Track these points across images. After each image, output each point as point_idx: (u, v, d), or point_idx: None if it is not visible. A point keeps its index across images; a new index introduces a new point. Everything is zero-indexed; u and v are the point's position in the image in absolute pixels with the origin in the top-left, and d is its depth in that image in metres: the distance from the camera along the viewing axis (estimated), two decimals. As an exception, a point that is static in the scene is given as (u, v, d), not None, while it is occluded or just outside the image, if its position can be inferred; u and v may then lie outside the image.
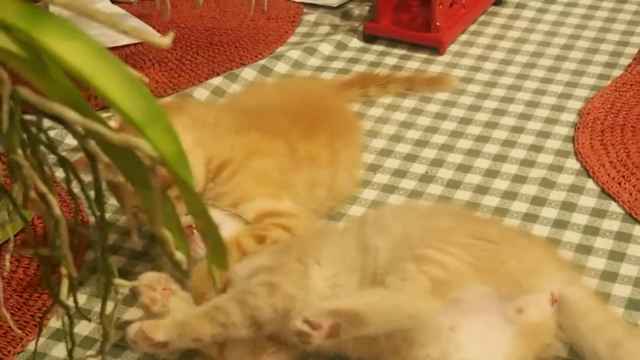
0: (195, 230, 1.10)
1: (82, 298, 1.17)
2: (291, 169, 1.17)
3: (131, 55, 1.67)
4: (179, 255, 0.73)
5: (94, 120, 0.67)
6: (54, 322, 1.13)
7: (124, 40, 1.70)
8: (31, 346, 1.10)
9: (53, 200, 0.71)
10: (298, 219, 1.14)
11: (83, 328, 1.13)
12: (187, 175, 0.69)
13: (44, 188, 0.70)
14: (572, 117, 1.45)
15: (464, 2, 1.69)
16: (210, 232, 0.72)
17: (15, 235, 1.25)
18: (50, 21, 0.65)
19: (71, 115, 0.67)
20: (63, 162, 0.73)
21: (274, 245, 1.11)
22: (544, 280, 1.01)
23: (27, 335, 1.11)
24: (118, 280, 0.79)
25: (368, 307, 0.94)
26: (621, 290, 1.13)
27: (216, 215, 1.12)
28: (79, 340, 1.11)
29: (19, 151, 0.69)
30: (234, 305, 1.00)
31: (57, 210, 0.70)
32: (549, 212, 1.26)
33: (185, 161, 0.69)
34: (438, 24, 1.63)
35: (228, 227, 1.12)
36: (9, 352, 1.09)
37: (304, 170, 1.19)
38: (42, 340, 1.11)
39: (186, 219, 1.10)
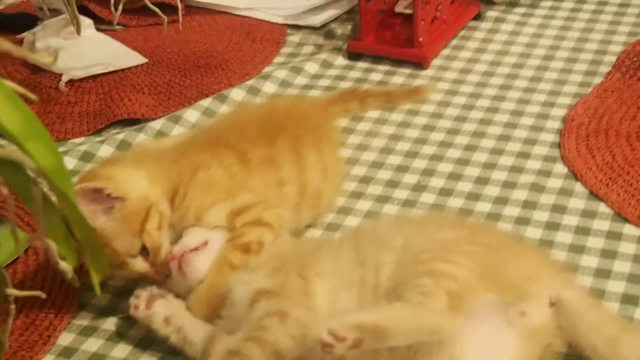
0: (187, 253, 1.12)
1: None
2: (243, 172, 1.20)
3: (120, 80, 1.70)
4: (63, 265, 0.76)
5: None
6: (63, 339, 1.15)
7: (112, 67, 1.73)
8: (40, 364, 1.12)
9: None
10: (261, 205, 1.17)
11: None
12: (67, 186, 0.73)
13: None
14: (556, 124, 1.49)
15: (445, 17, 1.73)
16: (89, 240, 0.76)
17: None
18: None
19: None
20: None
21: (268, 260, 1.12)
22: (542, 285, 1.04)
23: (37, 354, 1.12)
24: (10, 291, 0.81)
25: (392, 322, 0.96)
26: (616, 286, 1.16)
27: (200, 233, 1.14)
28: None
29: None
30: (252, 345, 1.02)
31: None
32: (540, 215, 1.30)
33: (65, 173, 0.73)
34: (421, 39, 1.67)
35: (215, 239, 1.15)
36: (19, 370, 1.10)
37: (264, 172, 1.22)
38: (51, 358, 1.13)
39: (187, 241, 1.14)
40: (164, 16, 1.42)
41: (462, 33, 1.79)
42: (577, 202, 1.31)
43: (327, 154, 1.32)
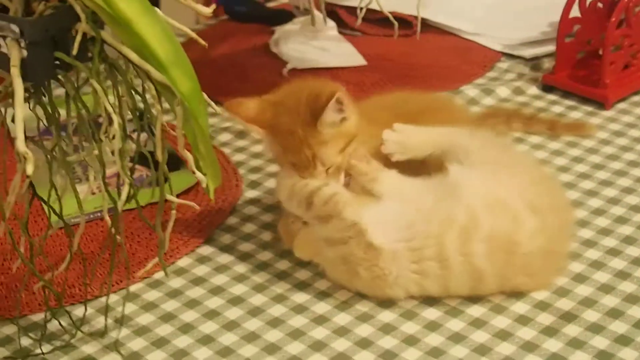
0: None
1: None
2: None
3: (334, 75, 1.92)
4: (199, 174, 0.97)
5: (147, 62, 0.93)
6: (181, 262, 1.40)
7: (334, 63, 1.97)
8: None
9: (117, 120, 0.97)
10: None
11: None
12: (199, 109, 0.93)
13: (109, 107, 0.97)
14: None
15: (640, 65, 1.80)
16: (210, 154, 0.96)
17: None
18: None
19: (133, 56, 0.93)
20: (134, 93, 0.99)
21: None
22: None
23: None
24: (169, 197, 1.04)
25: None
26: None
27: None
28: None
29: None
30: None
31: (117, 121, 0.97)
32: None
33: (199, 97, 0.93)
34: (607, 81, 1.75)
35: None
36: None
37: None
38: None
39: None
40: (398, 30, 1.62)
41: (663, 85, 1.85)
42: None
43: None
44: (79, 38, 0.92)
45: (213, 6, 0.92)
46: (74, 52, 0.92)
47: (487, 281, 1.24)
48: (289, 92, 1.33)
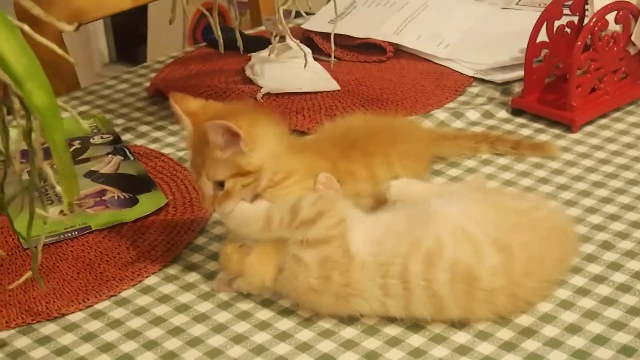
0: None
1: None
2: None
3: (308, 99, 1.96)
4: (59, 188, 1.00)
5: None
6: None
7: (307, 88, 2.00)
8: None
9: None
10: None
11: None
12: (54, 123, 0.95)
13: None
14: None
15: (608, 89, 1.83)
16: (65, 169, 0.98)
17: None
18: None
19: None
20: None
21: None
22: None
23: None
24: None
25: None
26: None
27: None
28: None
29: None
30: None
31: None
32: (595, 268, 1.38)
33: (55, 112, 0.95)
34: (574, 104, 1.78)
35: None
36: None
37: (346, 185, 1.39)
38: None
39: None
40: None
41: (630, 108, 1.87)
42: None
43: (396, 170, 1.47)
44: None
45: (76, 23, 0.94)
46: None
47: (449, 310, 1.24)
48: (224, 106, 1.39)
